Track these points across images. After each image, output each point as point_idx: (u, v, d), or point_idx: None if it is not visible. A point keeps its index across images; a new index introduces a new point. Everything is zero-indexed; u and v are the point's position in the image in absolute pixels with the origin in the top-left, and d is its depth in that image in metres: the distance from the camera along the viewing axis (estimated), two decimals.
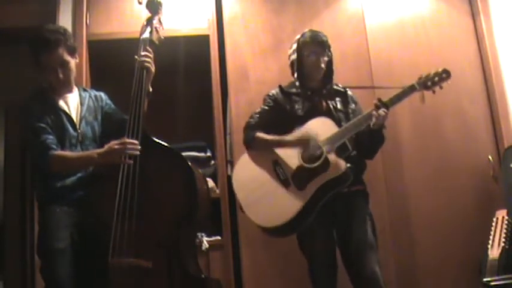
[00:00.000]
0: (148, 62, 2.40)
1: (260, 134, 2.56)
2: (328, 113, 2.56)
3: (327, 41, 2.65)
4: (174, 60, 3.36)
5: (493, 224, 2.91)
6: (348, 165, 2.39)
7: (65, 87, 2.40)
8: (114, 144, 2.21)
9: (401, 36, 3.42)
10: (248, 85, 3.27)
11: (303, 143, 2.45)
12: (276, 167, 2.48)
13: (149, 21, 2.54)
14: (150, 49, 2.44)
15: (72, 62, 2.38)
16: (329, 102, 2.61)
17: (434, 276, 3.06)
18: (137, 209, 2.14)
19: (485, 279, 2.44)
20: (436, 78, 2.51)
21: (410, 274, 3.07)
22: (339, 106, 2.61)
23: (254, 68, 3.30)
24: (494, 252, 2.78)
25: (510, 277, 2.37)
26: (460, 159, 3.25)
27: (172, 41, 3.07)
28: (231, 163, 3.19)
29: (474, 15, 3.48)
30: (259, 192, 2.48)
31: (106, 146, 2.24)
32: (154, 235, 2.15)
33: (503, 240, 2.80)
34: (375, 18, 3.43)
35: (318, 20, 3.37)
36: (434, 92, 2.52)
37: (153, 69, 2.42)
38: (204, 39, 3.31)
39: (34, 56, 2.32)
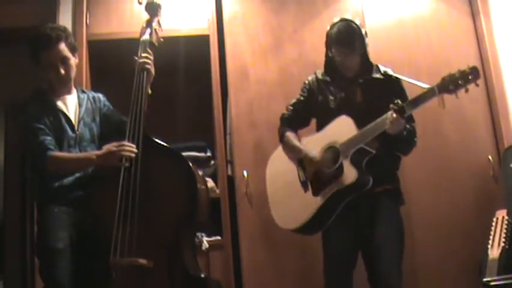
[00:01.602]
0: (149, 64, 2.41)
1: (289, 134, 2.55)
2: (363, 106, 2.42)
3: (355, 35, 2.41)
4: (174, 60, 3.35)
5: (493, 224, 2.90)
6: (356, 176, 2.25)
7: (64, 86, 2.39)
8: (112, 146, 2.21)
9: (402, 36, 3.42)
10: (248, 85, 3.27)
11: (322, 148, 2.41)
12: (299, 168, 2.49)
13: (148, 23, 2.55)
14: (149, 51, 2.45)
15: (73, 60, 2.38)
16: (365, 93, 2.45)
17: (434, 276, 3.05)
18: (138, 209, 2.14)
19: (485, 279, 2.43)
20: (461, 81, 2.17)
21: (410, 274, 3.06)
22: (375, 98, 2.42)
23: (254, 68, 3.30)
24: (494, 252, 2.78)
25: (510, 277, 2.37)
26: (460, 159, 3.24)
27: (172, 41, 3.07)
28: (231, 163, 3.19)
29: (474, 15, 3.48)
30: (282, 191, 2.54)
31: (104, 148, 2.24)
32: (155, 235, 2.15)
33: (503, 240, 2.80)
34: (375, 18, 3.43)
35: (318, 20, 3.37)
36: (457, 96, 2.20)
37: (153, 71, 2.43)
38: (204, 39, 3.31)
39: (34, 54, 2.32)
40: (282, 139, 2.59)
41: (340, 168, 2.31)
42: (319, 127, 2.55)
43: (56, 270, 2.14)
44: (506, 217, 2.87)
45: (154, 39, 2.50)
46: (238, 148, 3.15)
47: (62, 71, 2.33)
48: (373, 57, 3.30)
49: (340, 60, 2.46)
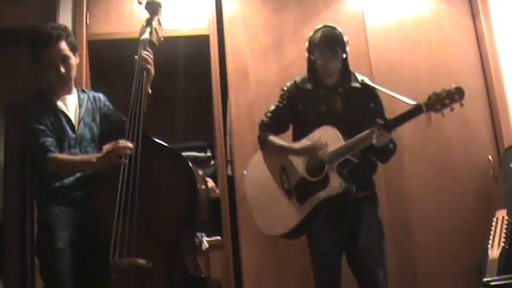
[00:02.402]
0: (149, 63, 2.40)
1: (272, 138, 2.54)
2: (342, 115, 2.48)
3: (338, 41, 2.47)
4: (174, 60, 3.36)
5: (493, 224, 2.91)
6: (342, 186, 2.30)
7: (65, 86, 2.39)
8: (108, 146, 2.22)
9: (402, 36, 3.42)
10: (248, 85, 3.27)
11: (310, 154, 2.41)
12: (282, 175, 2.49)
13: (148, 22, 2.54)
14: (149, 50, 2.44)
15: (73, 59, 2.37)
16: (345, 102, 2.51)
17: (434, 276, 3.06)
18: (137, 209, 2.13)
19: (485, 279, 2.43)
20: (447, 100, 2.22)
21: (411, 274, 3.07)
22: (354, 107, 2.49)
23: (254, 68, 3.30)
24: (494, 252, 2.78)
25: (510, 277, 2.37)
26: (460, 160, 3.25)
27: (172, 41, 3.07)
28: (231, 163, 3.19)
29: (474, 15, 3.48)
30: (265, 197, 2.53)
31: (103, 150, 2.24)
32: (155, 235, 2.14)
33: (503, 240, 2.80)
34: (375, 19, 3.43)
35: (318, 20, 3.36)
36: (443, 114, 2.25)
37: (152, 70, 2.42)
38: (204, 39, 3.31)
39: (35, 53, 2.32)
40: (265, 144, 2.57)
41: (326, 178, 2.35)
42: (299, 134, 2.55)
43: (56, 270, 2.13)
44: (506, 217, 2.88)
45: (154, 38, 2.49)
46: (238, 148, 3.15)
47: (63, 70, 2.32)
48: (373, 57, 3.34)
49: (322, 63, 2.48)
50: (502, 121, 3.28)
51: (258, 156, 2.62)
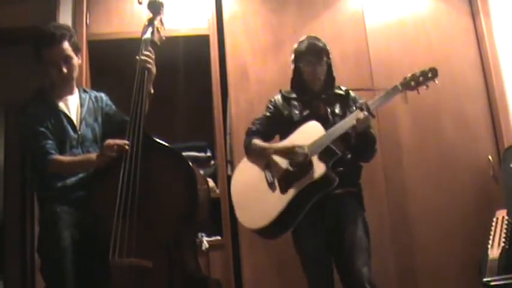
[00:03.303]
0: (150, 63, 2.40)
1: (256, 141, 2.62)
2: (326, 118, 2.55)
3: (323, 49, 2.61)
4: (174, 60, 3.35)
5: (493, 224, 2.91)
6: (325, 170, 2.35)
7: (66, 86, 2.38)
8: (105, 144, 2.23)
9: (401, 36, 3.42)
10: (248, 85, 3.27)
11: (291, 150, 2.47)
12: (266, 172, 2.53)
13: (151, 22, 2.54)
14: (151, 50, 2.44)
15: (76, 60, 2.37)
16: (328, 107, 2.60)
17: (434, 276, 3.06)
18: (138, 209, 2.13)
19: (485, 279, 2.44)
20: (421, 78, 2.42)
21: (410, 274, 3.07)
22: (337, 110, 2.59)
23: (254, 68, 3.30)
24: (494, 252, 2.78)
25: (510, 277, 2.37)
26: (460, 159, 3.25)
27: (172, 41, 3.06)
28: (231, 163, 3.19)
29: (474, 15, 3.48)
30: (250, 196, 2.56)
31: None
32: (155, 235, 2.14)
33: (503, 240, 2.80)
34: (375, 18, 3.43)
35: (317, 20, 3.37)
36: (418, 92, 2.43)
37: (154, 70, 2.42)
38: (204, 39, 3.31)
39: (37, 51, 2.31)
40: (249, 148, 2.64)
41: (309, 166, 2.40)
42: (284, 139, 2.60)
43: (57, 270, 2.13)
44: (506, 217, 2.88)
45: (156, 37, 2.49)
46: (238, 148, 3.14)
47: (65, 70, 2.31)
48: (373, 57, 3.34)
49: (309, 70, 2.59)
50: (502, 121, 3.28)
51: (243, 163, 2.68)
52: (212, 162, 3.39)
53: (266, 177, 2.52)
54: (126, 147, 2.20)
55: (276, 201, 2.43)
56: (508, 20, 3.40)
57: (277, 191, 2.46)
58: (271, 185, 2.49)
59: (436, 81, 2.41)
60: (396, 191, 3.18)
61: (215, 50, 3.30)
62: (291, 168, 2.46)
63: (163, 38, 2.54)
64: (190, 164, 2.27)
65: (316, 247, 2.48)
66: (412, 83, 2.42)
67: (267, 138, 2.66)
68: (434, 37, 3.43)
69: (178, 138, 3.35)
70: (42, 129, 2.24)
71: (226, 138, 3.26)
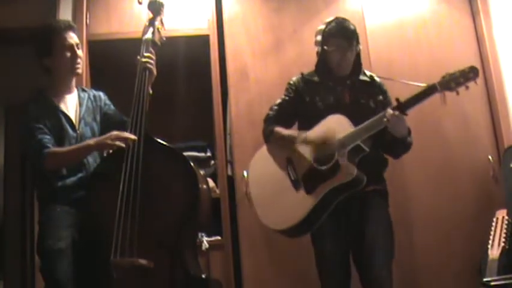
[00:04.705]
0: (151, 64, 2.41)
1: (278, 129, 2.47)
2: (351, 107, 2.41)
3: (355, 32, 2.44)
4: (174, 60, 3.35)
5: (493, 224, 2.90)
6: (356, 172, 2.22)
7: (69, 79, 2.40)
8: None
9: (401, 36, 3.42)
10: (248, 85, 3.27)
11: (318, 142, 2.35)
12: (289, 166, 2.40)
13: (151, 22, 2.54)
14: (152, 51, 2.45)
15: (81, 53, 2.42)
16: (353, 94, 2.45)
17: (434, 276, 3.05)
18: (139, 208, 2.13)
19: (485, 279, 2.43)
20: (462, 79, 2.23)
21: (410, 274, 3.07)
22: (363, 99, 2.45)
23: (254, 68, 3.30)
24: (494, 252, 2.78)
25: (510, 277, 2.37)
26: (460, 159, 3.25)
27: (172, 41, 3.05)
28: (231, 163, 3.19)
29: (474, 15, 3.48)
30: (270, 191, 2.43)
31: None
32: (156, 235, 2.14)
33: (503, 240, 2.80)
34: (375, 18, 3.43)
35: (318, 20, 3.35)
36: (457, 93, 2.25)
37: (155, 70, 2.43)
38: (204, 40, 3.31)
39: (47, 40, 2.34)
40: (270, 136, 2.49)
41: (336, 166, 2.27)
42: (305, 127, 2.46)
43: (57, 270, 2.13)
44: (506, 217, 2.87)
45: (156, 38, 2.50)
46: (238, 148, 3.15)
47: (80, 53, 2.38)
48: (373, 57, 3.33)
49: (337, 55, 2.43)
50: (502, 121, 3.28)
51: (262, 152, 2.54)
52: (212, 162, 3.40)
53: (289, 173, 2.39)
54: (132, 137, 2.20)
55: (301, 202, 2.30)
56: (508, 20, 3.40)
57: (302, 190, 2.33)
58: (295, 183, 2.36)
59: (477, 82, 2.26)
60: (396, 191, 3.15)
61: (215, 50, 3.30)
62: (317, 166, 2.31)
63: (164, 38, 2.54)
64: (191, 163, 2.27)
65: (336, 250, 2.38)
66: (452, 84, 2.23)
67: (286, 124, 2.50)
68: (435, 37, 3.42)
69: (178, 138, 3.35)
70: (40, 125, 2.25)
71: (226, 138, 3.26)
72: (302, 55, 3.27)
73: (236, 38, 3.34)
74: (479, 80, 3.33)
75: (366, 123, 2.29)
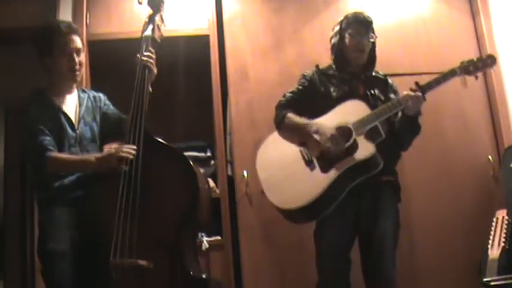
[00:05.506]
0: (151, 62, 2.40)
1: (291, 115, 2.47)
2: (365, 98, 2.44)
3: (371, 23, 2.54)
4: (174, 60, 3.35)
5: (493, 224, 2.91)
6: (374, 150, 2.24)
7: (71, 81, 2.39)
8: (111, 148, 2.21)
9: (401, 36, 3.42)
10: (248, 85, 3.27)
11: (335, 124, 2.34)
12: (302, 148, 2.39)
13: (151, 19, 2.53)
14: (152, 49, 2.44)
15: (83, 56, 2.41)
16: (367, 87, 2.51)
17: (434, 276, 3.05)
18: (139, 209, 2.13)
19: (485, 279, 2.44)
20: (480, 64, 2.45)
21: (410, 274, 3.07)
22: (376, 94, 2.50)
23: (254, 68, 3.30)
24: (494, 252, 2.78)
25: (510, 277, 2.37)
26: (460, 160, 3.25)
27: (172, 41, 3.07)
28: (231, 163, 3.19)
29: (474, 15, 3.48)
30: (282, 173, 2.38)
31: (105, 151, 2.24)
32: (156, 235, 2.14)
33: (503, 240, 2.80)
34: (375, 18, 3.40)
35: (318, 20, 3.37)
36: (476, 77, 2.47)
37: (155, 69, 2.42)
38: (204, 39, 3.31)
39: (48, 42, 2.32)
40: (282, 123, 2.48)
41: (354, 144, 2.28)
42: (319, 115, 2.45)
43: (57, 272, 2.13)
44: (506, 217, 2.88)
45: (156, 35, 2.48)
46: (238, 148, 3.15)
47: (77, 59, 2.34)
48: None
49: (354, 40, 2.49)
50: (502, 121, 3.28)
51: (272, 137, 2.52)
52: (212, 162, 3.40)
53: (303, 154, 2.36)
54: (131, 156, 2.18)
55: (316, 181, 2.26)
56: (508, 20, 3.40)
57: (317, 170, 2.30)
58: (309, 163, 2.33)
59: (494, 69, 2.49)
60: None
61: (215, 50, 3.30)
62: (333, 146, 2.29)
63: (163, 35, 2.53)
64: (191, 163, 2.27)
65: (339, 240, 2.36)
66: (471, 68, 2.43)
67: (299, 113, 2.48)
68: (435, 37, 3.43)
69: (178, 138, 3.35)
70: (41, 126, 2.24)
71: (226, 138, 3.26)
72: (302, 55, 3.27)
73: (236, 38, 3.34)
74: (479, 80, 3.38)
75: (384, 104, 2.37)
